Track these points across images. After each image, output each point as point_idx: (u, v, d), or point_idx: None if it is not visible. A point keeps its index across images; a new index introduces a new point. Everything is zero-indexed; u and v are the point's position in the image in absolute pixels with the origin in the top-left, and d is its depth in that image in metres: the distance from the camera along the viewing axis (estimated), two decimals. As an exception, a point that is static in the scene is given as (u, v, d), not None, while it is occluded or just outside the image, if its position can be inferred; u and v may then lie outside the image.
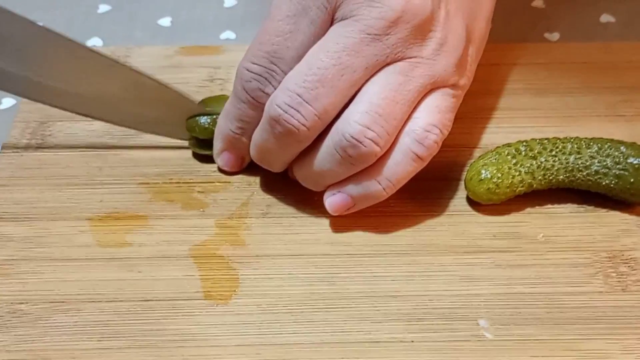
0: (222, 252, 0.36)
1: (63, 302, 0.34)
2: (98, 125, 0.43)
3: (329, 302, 0.34)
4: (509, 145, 0.37)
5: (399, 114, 0.33)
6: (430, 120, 0.33)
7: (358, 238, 0.37)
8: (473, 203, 0.38)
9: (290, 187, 0.39)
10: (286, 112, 0.33)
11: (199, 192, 0.39)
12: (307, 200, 0.38)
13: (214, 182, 0.40)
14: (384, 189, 0.35)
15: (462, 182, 0.38)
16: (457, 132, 0.38)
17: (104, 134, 0.43)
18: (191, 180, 0.40)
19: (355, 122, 0.32)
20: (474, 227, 0.37)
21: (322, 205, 0.38)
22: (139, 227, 0.38)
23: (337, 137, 0.33)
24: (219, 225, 0.38)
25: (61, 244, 0.36)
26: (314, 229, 0.37)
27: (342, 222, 0.37)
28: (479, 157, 0.38)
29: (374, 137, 0.32)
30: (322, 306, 0.34)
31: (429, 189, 0.39)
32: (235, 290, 0.35)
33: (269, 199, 0.39)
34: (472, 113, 0.43)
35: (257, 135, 0.35)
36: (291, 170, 0.37)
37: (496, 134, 0.41)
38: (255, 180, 0.40)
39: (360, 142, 0.32)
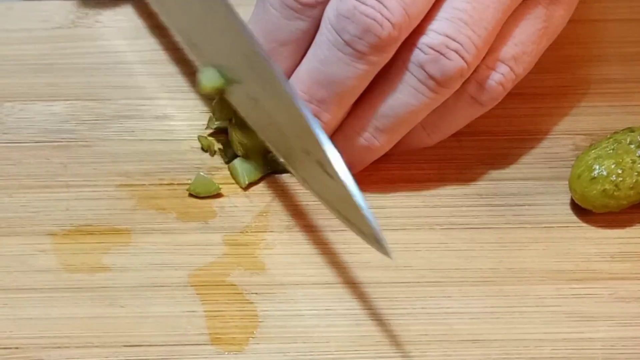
0: (233, 280, 0.36)
1: (17, 348, 0.33)
2: (61, 107, 0.42)
3: (383, 349, 0.33)
4: (631, 130, 0.36)
5: (490, 22, 0.33)
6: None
7: (420, 260, 0.36)
8: (581, 211, 0.37)
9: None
10: (363, 3, 0.32)
11: (200, 197, 0.38)
12: None
13: (220, 184, 0.39)
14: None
15: (566, 183, 0.37)
16: (555, 112, 0.38)
17: (70, 118, 0.42)
18: (189, 181, 0.39)
19: (434, 30, 0.33)
20: (582, 244, 0.36)
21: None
22: (120, 245, 0.37)
23: (413, 53, 0.33)
24: (228, 242, 0.37)
25: (13, 269, 0.36)
26: (359, 248, 0.36)
27: (398, 238, 0.37)
28: (589, 147, 0.37)
29: (459, 49, 0.33)
30: (372, 354, 0.33)
31: (517, 190, 0.38)
32: (252, 332, 0.34)
33: (295, 206, 0.39)
34: (573, 86, 0.42)
35: (311, 57, 0.35)
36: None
37: (609, 114, 0.40)
38: (276, 181, 0.40)
39: (443, 54, 0.33)
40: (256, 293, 0.35)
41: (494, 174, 0.39)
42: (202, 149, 0.41)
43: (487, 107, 0.36)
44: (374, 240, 0.32)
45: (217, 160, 0.41)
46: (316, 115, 0.36)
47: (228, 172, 0.40)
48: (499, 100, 0.36)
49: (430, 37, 0.33)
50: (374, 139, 0.37)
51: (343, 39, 0.34)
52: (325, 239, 0.37)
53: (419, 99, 0.35)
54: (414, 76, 0.34)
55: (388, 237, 0.35)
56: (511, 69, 0.35)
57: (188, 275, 0.36)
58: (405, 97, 0.35)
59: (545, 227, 0.37)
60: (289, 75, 0.36)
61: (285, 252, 0.37)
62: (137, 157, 0.41)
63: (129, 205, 0.39)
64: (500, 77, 0.35)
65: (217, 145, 0.41)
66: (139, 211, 0.38)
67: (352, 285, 0.36)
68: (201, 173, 0.40)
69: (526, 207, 0.38)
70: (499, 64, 0.35)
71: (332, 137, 0.36)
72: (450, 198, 0.38)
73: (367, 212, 0.32)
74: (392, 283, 0.36)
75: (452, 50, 0.33)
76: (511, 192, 0.39)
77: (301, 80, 0.36)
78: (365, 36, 0.33)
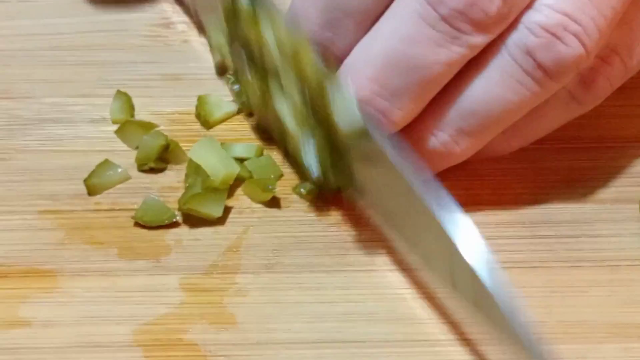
0: (194, 337, 0.36)
1: None
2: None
3: None
4: None
5: (618, 1, 0.34)
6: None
7: (444, 309, 0.37)
8: None
9: (321, 211, 0.39)
10: None
11: (149, 227, 0.39)
12: (348, 239, 0.39)
13: (176, 209, 0.39)
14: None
15: (636, 206, 0.39)
16: (619, 112, 0.39)
17: None
18: (135, 206, 0.39)
19: (549, 6, 0.33)
20: (659, 288, 0.36)
21: (375, 247, 0.38)
22: (43, 291, 0.37)
23: (518, 35, 0.33)
24: (187, 287, 0.37)
25: None
26: (362, 294, 0.37)
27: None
28: None
29: (579, 33, 0.33)
30: None
31: (570, 217, 0.39)
32: (219, 409, 0.34)
33: (277, 237, 0.39)
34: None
35: (388, 33, 0.35)
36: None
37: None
38: (252, 203, 0.40)
39: (559, 38, 0.33)
40: (224, 355, 0.35)
41: (541, 195, 0.40)
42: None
43: (587, 107, 0.37)
44: None
45: (172, 179, 0.41)
46: (384, 112, 0.35)
47: (184, 193, 0.39)
48: (602, 101, 0.37)
49: (545, 14, 0.33)
50: (455, 143, 0.36)
51: (439, 13, 0.33)
52: (316, 282, 0.37)
53: (520, 94, 0.34)
54: (518, 64, 0.34)
55: (386, 280, 0.37)
56: (623, 60, 0.36)
57: (133, 331, 0.36)
58: (502, 90, 0.35)
59: (609, 265, 0.38)
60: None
61: (263, 300, 0.37)
62: (65, 175, 0.41)
63: (55, 239, 0.39)
64: (609, 71, 0.36)
65: None
66: (68, 246, 0.38)
67: (353, 344, 0.36)
68: (151, 195, 0.40)
69: (583, 239, 0.38)
70: (609, 53, 0.35)
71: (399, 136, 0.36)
72: (483, 227, 0.38)
73: None
74: (406, 342, 0.36)
75: (571, 33, 0.33)
76: (563, 220, 0.39)
77: (371, 63, 0.35)
78: (470, 11, 0.33)
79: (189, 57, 0.46)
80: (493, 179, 0.40)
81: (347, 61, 0.36)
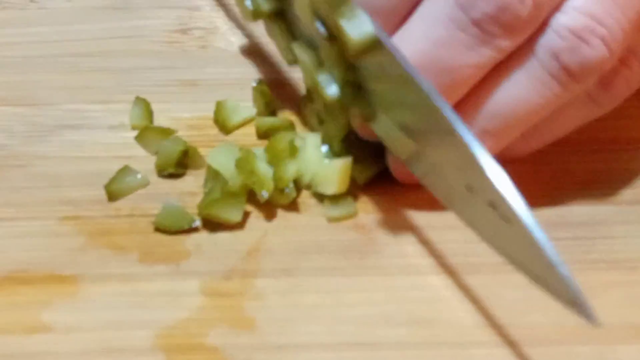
0: (214, 341, 0.36)
1: None
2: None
3: None
4: None
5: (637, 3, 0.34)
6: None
7: (462, 314, 0.37)
8: None
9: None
10: None
11: (169, 232, 0.39)
12: (366, 243, 0.38)
13: (196, 214, 0.39)
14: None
15: None
16: (636, 114, 0.39)
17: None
18: (155, 212, 0.39)
19: (576, 9, 0.33)
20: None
21: (390, 252, 0.38)
22: (64, 296, 0.37)
23: (545, 38, 0.34)
24: (207, 291, 0.37)
25: None
26: (381, 297, 0.37)
27: (426, 283, 0.37)
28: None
29: (605, 36, 0.33)
30: None
31: (587, 218, 0.39)
32: (240, 412, 0.34)
33: (296, 241, 0.39)
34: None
35: (419, 35, 0.35)
36: None
37: None
38: (271, 208, 0.40)
39: (586, 41, 0.33)
40: (244, 359, 0.35)
41: (556, 197, 0.40)
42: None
43: (605, 109, 0.37)
44: (572, 304, 0.31)
45: (191, 184, 0.41)
46: None
47: (203, 198, 0.40)
48: (620, 102, 0.37)
49: (572, 17, 0.34)
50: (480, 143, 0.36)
51: (470, 17, 0.34)
52: (335, 285, 0.37)
53: (544, 96, 0.35)
54: (543, 67, 0.34)
55: (404, 282, 0.37)
56: (608, 29, 0.35)
57: (154, 336, 0.36)
58: (527, 92, 0.35)
59: (626, 267, 0.37)
60: None
61: (282, 303, 0.37)
62: (85, 179, 0.41)
63: (75, 244, 0.39)
64: (628, 73, 0.36)
65: None
66: (88, 252, 0.38)
67: (372, 347, 0.36)
68: (170, 201, 0.40)
69: (599, 240, 0.38)
70: (628, 56, 0.36)
71: None
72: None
73: (562, 269, 0.31)
74: (425, 344, 0.36)
75: (597, 36, 0.33)
76: (580, 222, 0.39)
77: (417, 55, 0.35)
78: (501, 15, 0.33)
79: (206, 63, 0.46)
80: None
81: None
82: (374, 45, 0.35)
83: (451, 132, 0.33)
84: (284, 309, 0.37)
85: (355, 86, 0.37)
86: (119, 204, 0.40)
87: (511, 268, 0.34)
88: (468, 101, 0.36)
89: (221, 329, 0.36)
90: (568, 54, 0.34)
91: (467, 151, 0.33)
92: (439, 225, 0.39)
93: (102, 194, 0.40)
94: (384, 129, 0.38)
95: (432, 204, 0.38)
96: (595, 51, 0.33)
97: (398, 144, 0.37)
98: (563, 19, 0.34)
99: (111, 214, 0.40)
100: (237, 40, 0.48)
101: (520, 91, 0.35)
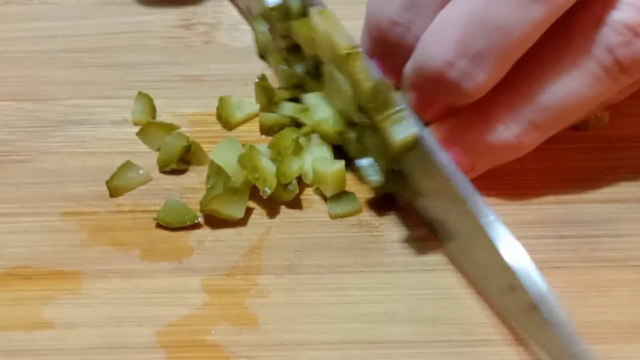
0: (216, 338, 0.36)
1: None
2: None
3: None
4: None
5: None
6: None
7: (467, 311, 0.36)
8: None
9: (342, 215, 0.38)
10: None
11: (172, 228, 0.39)
12: (370, 240, 0.39)
13: (198, 210, 0.39)
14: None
15: None
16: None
17: (1, 125, 0.43)
18: (157, 208, 0.39)
19: (631, 5, 0.33)
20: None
21: (394, 250, 0.38)
22: (66, 292, 0.37)
23: (599, 32, 0.34)
24: (209, 288, 0.37)
25: None
26: (384, 294, 0.37)
27: (432, 281, 0.37)
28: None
29: None
30: None
31: (594, 217, 0.39)
32: (242, 410, 0.34)
33: (299, 238, 0.39)
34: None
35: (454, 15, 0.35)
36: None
37: None
38: (273, 206, 0.40)
39: (639, 36, 0.33)
40: (247, 356, 0.35)
41: (564, 194, 0.39)
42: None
43: (619, 84, 0.36)
44: None
45: (194, 180, 0.41)
46: (466, 75, 0.35)
47: (206, 195, 0.40)
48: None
49: (627, 13, 0.34)
50: (526, 134, 0.36)
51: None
52: (338, 283, 0.37)
53: (595, 90, 0.35)
54: (598, 61, 0.34)
55: (408, 280, 0.37)
56: None
57: (156, 332, 0.36)
58: (579, 85, 0.35)
59: (633, 265, 0.37)
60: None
61: (285, 301, 0.37)
62: (87, 176, 0.41)
63: (77, 240, 0.39)
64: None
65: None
66: (90, 248, 0.39)
67: (375, 345, 0.36)
68: (173, 197, 0.40)
69: (607, 238, 0.38)
70: None
71: (461, 124, 0.36)
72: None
73: None
74: (428, 342, 0.36)
75: None
76: (586, 220, 0.39)
77: (453, 26, 0.35)
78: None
79: (210, 59, 0.46)
80: (515, 178, 0.40)
81: (430, 28, 0.35)
82: (416, 144, 0.35)
83: (489, 240, 0.33)
84: (286, 306, 0.37)
85: (396, 172, 0.38)
86: (121, 199, 0.40)
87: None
88: (514, 89, 0.36)
89: (223, 326, 0.36)
90: (623, 49, 0.34)
91: (503, 260, 0.33)
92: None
93: (104, 189, 0.40)
94: (424, 212, 0.38)
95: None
96: None
97: (443, 230, 0.37)
98: (619, 15, 0.34)
99: (113, 210, 0.40)
100: (240, 36, 0.48)
101: (571, 84, 0.35)
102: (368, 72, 0.36)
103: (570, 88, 0.35)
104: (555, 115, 0.36)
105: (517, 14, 0.33)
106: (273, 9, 0.41)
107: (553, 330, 0.32)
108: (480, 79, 0.34)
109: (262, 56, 0.45)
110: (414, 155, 0.35)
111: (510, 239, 0.33)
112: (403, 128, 0.35)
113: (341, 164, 0.39)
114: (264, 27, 0.44)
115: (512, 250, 0.33)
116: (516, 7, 0.33)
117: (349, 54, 0.36)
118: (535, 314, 0.32)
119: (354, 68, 0.36)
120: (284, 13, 0.41)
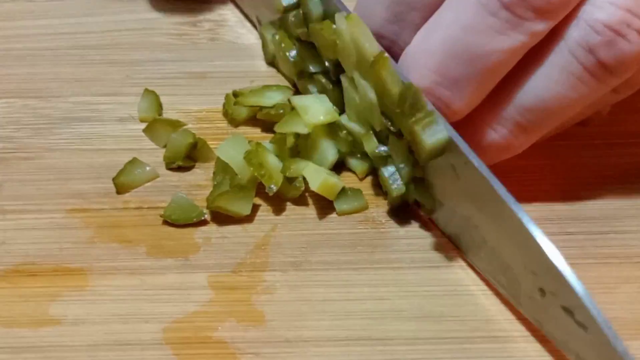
0: (222, 335, 0.36)
1: None
2: (-3, 108, 0.42)
3: None
4: None
5: None
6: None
7: (471, 307, 0.36)
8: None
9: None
10: None
11: (178, 225, 0.39)
12: (376, 236, 0.38)
13: (204, 207, 0.39)
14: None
15: None
16: None
17: (6, 121, 0.43)
18: (164, 205, 0.39)
19: (611, 3, 0.33)
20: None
21: (400, 246, 0.38)
22: (73, 289, 0.37)
23: (579, 32, 0.33)
24: (216, 284, 0.37)
25: None
26: (390, 291, 0.37)
27: (440, 277, 0.37)
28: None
29: None
30: None
31: (599, 213, 0.39)
32: (249, 406, 0.34)
33: (305, 234, 0.39)
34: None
35: (449, 22, 0.35)
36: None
37: None
38: (280, 201, 0.40)
39: (623, 36, 0.33)
40: (253, 353, 0.35)
41: (569, 192, 0.39)
42: None
43: (621, 96, 0.36)
44: None
45: (200, 177, 0.41)
46: (446, 101, 0.35)
47: (212, 191, 0.40)
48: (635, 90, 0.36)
49: (607, 11, 0.33)
50: (513, 136, 0.36)
51: (500, 1, 0.33)
52: (344, 279, 0.37)
53: (579, 91, 0.34)
54: (579, 62, 0.34)
55: (414, 277, 0.37)
56: None
57: (163, 329, 0.36)
58: (562, 88, 0.34)
59: (639, 262, 0.37)
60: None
61: (291, 297, 0.37)
62: (93, 173, 0.41)
63: (84, 237, 0.39)
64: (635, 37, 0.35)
65: None
66: (97, 244, 0.38)
67: (381, 342, 0.36)
68: (179, 193, 0.40)
69: (612, 235, 0.38)
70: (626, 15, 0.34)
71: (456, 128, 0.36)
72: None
73: None
74: (433, 339, 0.36)
75: (634, 29, 0.33)
76: (592, 216, 0.39)
77: (431, 53, 0.35)
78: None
79: (215, 55, 0.46)
80: (520, 175, 0.40)
81: (408, 50, 0.36)
82: (447, 148, 0.35)
83: (527, 237, 0.33)
84: (293, 303, 0.37)
85: (419, 180, 0.38)
86: (127, 196, 0.40)
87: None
88: (502, 95, 0.36)
89: (229, 323, 0.36)
90: (605, 49, 0.33)
91: (544, 257, 0.32)
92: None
93: (110, 186, 0.40)
94: (446, 221, 0.38)
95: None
96: (633, 45, 0.33)
97: (467, 238, 0.37)
98: (598, 14, 0.33)
99: (119, 207, 0.40)
100: (246, 32, 0.48)
101: (554, 86, 0.35)
102: (397, 76, 0.35)
103: (553, 90, 0.34)
104: (540, 116, 0.35)
105: (495, 42, 0.34)
106: (287, 8, 0.41)
107: (593, 333, 0.31)
108: (459, 105, 0.35)
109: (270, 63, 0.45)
110: (442, 159, 0.35)
111: (548, 242, 0.32)
112: (433, 131, 0.34)
113: (329, 178, 0.39)
114: (273, 36, 0.44)
115: (552, 252, 0.32)
116: (494, 35, 0.33)
117: (377, 59, 0.36)
118: (569, 318, 0.32)
119: (382, 72, 0.36)
120: (301, 18, 0.41)
